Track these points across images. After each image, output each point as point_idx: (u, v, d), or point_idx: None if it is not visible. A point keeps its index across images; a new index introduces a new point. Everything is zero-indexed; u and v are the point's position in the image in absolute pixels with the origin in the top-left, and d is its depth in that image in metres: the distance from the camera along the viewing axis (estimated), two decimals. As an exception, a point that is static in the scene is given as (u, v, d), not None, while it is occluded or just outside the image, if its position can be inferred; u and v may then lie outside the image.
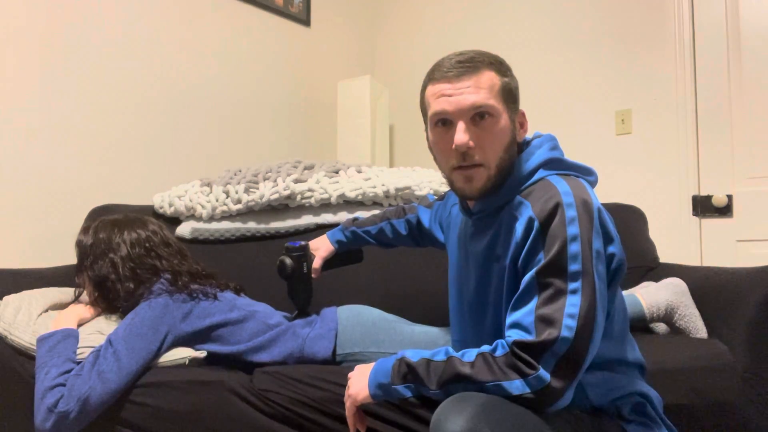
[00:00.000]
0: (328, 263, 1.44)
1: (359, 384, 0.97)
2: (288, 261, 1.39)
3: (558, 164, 0.98)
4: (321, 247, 1.43)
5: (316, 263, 1.41)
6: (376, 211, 1.47)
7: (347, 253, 1.47)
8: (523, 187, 0.97)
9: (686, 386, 1.24)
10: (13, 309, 1.31)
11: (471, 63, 0.95)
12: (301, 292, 1.43)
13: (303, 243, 1.42)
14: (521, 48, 2.83)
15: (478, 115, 0.94)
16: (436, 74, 0.97)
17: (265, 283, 1.69)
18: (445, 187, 1.81)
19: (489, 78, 0.95)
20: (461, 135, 0.93)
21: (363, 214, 1.80)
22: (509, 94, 0.97)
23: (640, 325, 1.53)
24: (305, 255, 1.41)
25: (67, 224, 1.97)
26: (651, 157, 2.44)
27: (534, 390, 0.83)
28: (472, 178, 0.96)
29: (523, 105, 2.77)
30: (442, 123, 0.97)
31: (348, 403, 0.99)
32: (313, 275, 1.42)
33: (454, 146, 0.94)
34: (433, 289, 1.67)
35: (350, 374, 1.01)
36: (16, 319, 1.29)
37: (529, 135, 1.04)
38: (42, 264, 1.87)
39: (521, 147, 1.02)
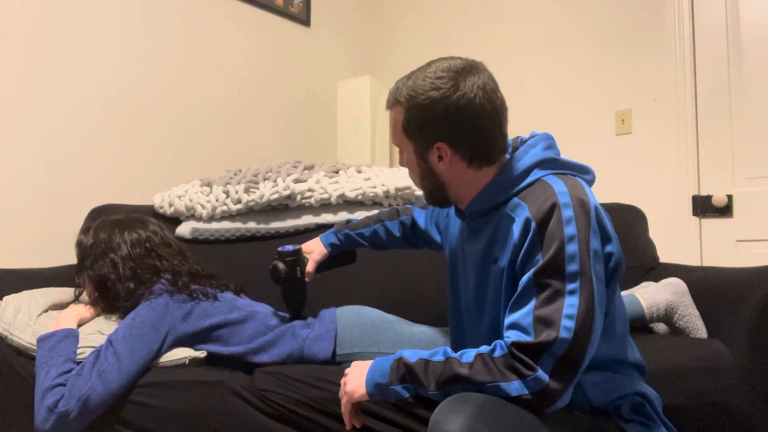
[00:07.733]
0: (321, 266, 1.43)
1: (356, 382, 0.97)
2: (281, 266, 1.37)
3: (553, 164, 0.98)
4: (314, 251, 1.42)
5: (310, 267, 1.39)
6: (374, 212, 1.47)
7: (340, 254, 1.46)
8: (518, 187, 0.97)
9: (686, 386, 1.23)
10: (13, 309, 1.32)
11: (387, 101, 1.03)
12: (295, 297, 1.42)
13: (296, 247, 1.40)
14: (521, 48, 2.83)
15: None
16: None
17: (265, 284, 1.69)
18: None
19: (394, 116, 1.02)
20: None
21: (362, 214, 1.80)
22: (411, 129, 0.99)
23: (640, 325, 1.53)
24: (298, 259, 1.39)
25: (67, 224, 1.97)
26: (651, 157, 2.44)
27: (532, 391, 0.83)
28: None
29: (523, 105, 2.77)
30: None
31: (344, 400, 0.99)
32: (306, 279, 1.40)
33: None
34: (432, 289, 1.67)
35: (347, 370, 1.01)
36: (16, 319, 1.29)
37: (525, 135, 1.05)
38: (42, 264, 1.87)
39: (516, 146, 1.03)
